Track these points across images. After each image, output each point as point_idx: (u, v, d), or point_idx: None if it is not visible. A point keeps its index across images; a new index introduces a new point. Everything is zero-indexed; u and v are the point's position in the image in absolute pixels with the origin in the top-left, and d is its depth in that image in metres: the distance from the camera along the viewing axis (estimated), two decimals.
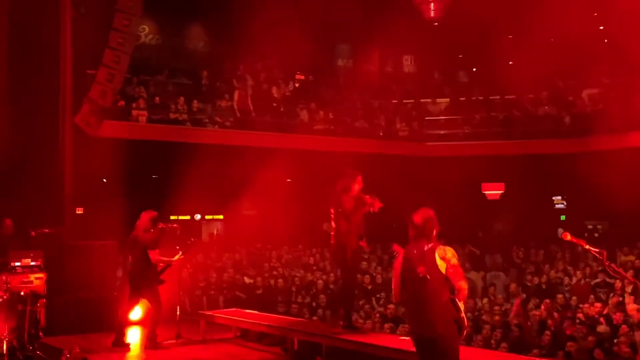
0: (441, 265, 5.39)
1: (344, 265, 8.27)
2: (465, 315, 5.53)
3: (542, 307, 11.85)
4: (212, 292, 14.01)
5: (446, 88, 21.30)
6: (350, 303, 8.60)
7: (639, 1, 15.70)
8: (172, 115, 16.35)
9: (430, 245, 5.49)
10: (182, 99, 16.62)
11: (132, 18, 13.81)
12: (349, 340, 7.97)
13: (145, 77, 17.36)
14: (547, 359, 8.47)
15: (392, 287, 5.75)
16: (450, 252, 5.46)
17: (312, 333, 8.49)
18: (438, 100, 20.86)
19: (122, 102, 15.54)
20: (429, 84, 21.73)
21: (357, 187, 8.17)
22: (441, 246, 5.49)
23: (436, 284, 5.37)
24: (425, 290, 5.39)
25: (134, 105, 15.90)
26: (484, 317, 11.64)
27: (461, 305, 5.47)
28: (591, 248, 5.87)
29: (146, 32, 19.48)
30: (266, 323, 9.33)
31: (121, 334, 9.36)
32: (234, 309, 10.79)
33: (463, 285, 5.43)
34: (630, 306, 11.41)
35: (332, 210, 8.15)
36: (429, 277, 5.35)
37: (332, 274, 15.31)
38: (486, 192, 20.24)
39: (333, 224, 8.14)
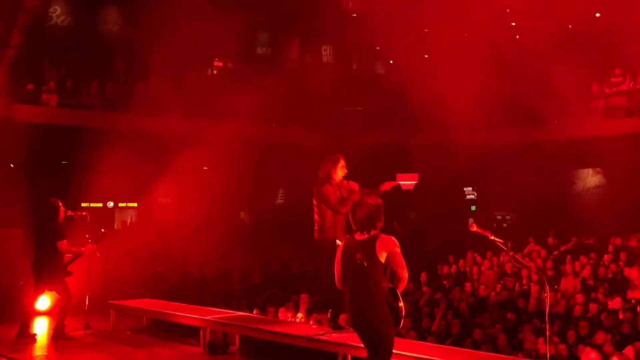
0: (381, 254, 5.42)
1: (328, 263, 7.62)
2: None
3: (451, 295, 12.19)
4: (125, 281, 13.70)
5: (364, 79, 21.53)
6: (336, 302, 7.65)
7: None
8: (84, 100, 15.86)
9: (371, 234, 5.51)
10: (94, 83, 16.14)
11: None
12: (262, 329, 7.97)
13: (56, 59, 16.77)
14: (455, 347, 8.70)
15: (335, 273, 5.74)
16: (392, 241, 5.47)
17: (225, 323, 8.43)
18: (355, 90, 21.07)
19: (31, 85, 14.96)
20: (346, 74, 21.92)
21: (339, 173, 7.24)
22: (383, 235, 5.50)
23: (374, 272, 5.39)
24: (362, 278, 5.41)
25: (44, 88, 15.33)
26: None
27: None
28: (496, 239, 6.09)
29: (58, 13, 18.79)
30: (178, 312, 9.20)
31: (26, 325, 9.06)
32: (145, 298, 10.59)
33: (404, 274, 5.46)
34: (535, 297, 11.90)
35: (314, 202, 7.29)
36: (366, 264, 5.38)
37: (248, 264, 15.32)
38: (400, 183, 20.61)
39: (317, 217, 7.28)
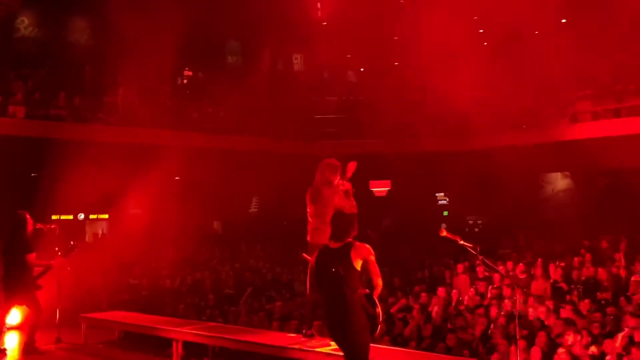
0: (356, 262, 5.46)
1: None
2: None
3: (423, 300, 12.22)
4: (96, 294, 13.56)
5: (335, 87, 21.62)
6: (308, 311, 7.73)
7: (515, 6, 16.53)
8: (52, 111, 15.69)
9: (346, 242, 5.55)
10: (62, 94, 15.98)
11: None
12: (236, 339, 7.93)
13: (24, 71, 16.59)
14: (427, 352, 8.75)
15: (307, 281, 5.74)
16: (367, 249, 5.51)
17: (197, 334, 8.38)
18: (327, 98, 21.16)
19: None
20: (318, 82, 21.99)
21: (338, 179, 7.03)
22: (357, 243, 5.55)
23: (350, 279, 5.42)
24: (337, 286, 5.43)
25: (11, 100, 15.14)
26: None
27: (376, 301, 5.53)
28: (465, 243, 6.16)
29: (26, 24, 18.60)
30: (149, 325, 9.13)
31: None
32: (117, 311, 10.50)
33: (379, 282, 5.50)
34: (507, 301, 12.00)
35: (310, 205, 7.01)
36: (342, 272, 5.40)
37: (222, 273, 15.25)
38: (373, 189, 20.73)
39: (310, 219, 6.99)
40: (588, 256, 13.82)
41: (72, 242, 9.51)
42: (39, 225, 9.08)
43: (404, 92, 20.13)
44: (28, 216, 8.93)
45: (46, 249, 9.37)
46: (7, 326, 9.79)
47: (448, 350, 9.26)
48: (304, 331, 7.55)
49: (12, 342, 9.68)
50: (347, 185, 7.09)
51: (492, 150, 17.35)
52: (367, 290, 5.49)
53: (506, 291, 12.45)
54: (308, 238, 7.09)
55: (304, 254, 5.91)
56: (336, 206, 6.40)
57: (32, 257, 8.79)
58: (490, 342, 9.92)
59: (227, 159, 17.49)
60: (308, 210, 7.09)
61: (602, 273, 12.69)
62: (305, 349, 7.10)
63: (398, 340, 10.08)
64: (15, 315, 9.97)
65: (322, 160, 7.18)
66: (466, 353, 9.26)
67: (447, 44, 18.17)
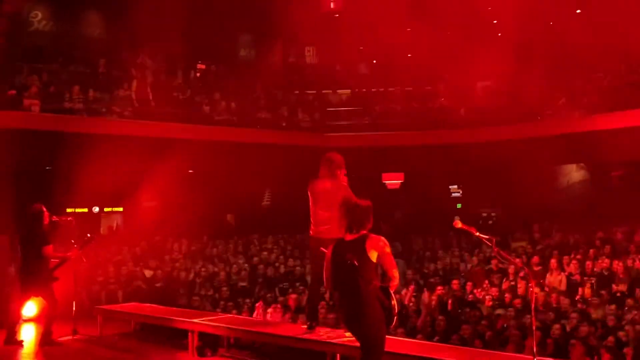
0: (371, 253, 5.47)
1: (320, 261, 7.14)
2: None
3: (438, 292, 12.23)
4: (111, 286, 13.66)
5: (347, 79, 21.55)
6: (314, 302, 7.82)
7: None
8: (66, 105, 15.76)
9: (361, 233, 5.56)
10: (77, 87, 16.04)
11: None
12: (251, 331, 7.97)
13: (38, 65, 16.66)
14: (442, 343, 8.75)
15: (324, 274, 5.78)
16: (382, 241, 5.53)
17: (213, 325, 8.43)
18: (339, 91, 21.09)
19: (13, 91, 14.85)
20: (330, 75, 21.92)
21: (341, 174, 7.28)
22: (372, 235, 5.57)
23: (365, 271, 5.43)
24: (353, 278, 5.44)
25: (25, 94, 15.23)
26: None
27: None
28: (481, 235, 6.12)
29: (39, 18, 18.67)
30: (165, 316, 9.19)
31: (13, 332, 9.02)
32: (133, 303, 10.57)
33: (395, 273, 5.52)
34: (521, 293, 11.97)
35: (317, 199, 7.22)
36: (356, 263, 5.42)
37: (234, 266, 15.31)
38: (386, 182, 20.69)
39: (320, 212, 7.18)
40: (607, 248, 13.73)
41: (88, 235, 9.59)
42: (55, 218, 9.15)
43: (416, 83, 20.05)
44: (44, 209, 9.01)
45: (62, 242, 9.45)
46: (24, 318, 9.91)
47: (462, 342, 9.26)
48: (308, 323, 7.56)
49: (29, 334, 9.79)
50: (344, 180, 7.27)
51: (506, 142, 17.24)
52: (382, 283, 5.51)
53: (521, 283, 12.45)
54: (311, 232, 7.24)
55: (322, 248, 5.93)
56: (344, 199, 6.41)
57: (49, 249, 8.87)
58: (504, 333, 9.91)
59: (240, 151, 17.52)
60: (312, 204, 7.23)
61: (617, 265, 12.63)
62: (321, 340, 7.12)
63: (413, 332, 10.09)
64: (31, 308, 10.09)
65: (324, 155, 7.37)
66: (480, 344, 9.26)
67: (459, 35, 18.09)
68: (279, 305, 11.56)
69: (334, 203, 6.53)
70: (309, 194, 7.35)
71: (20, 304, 9.27)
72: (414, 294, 12.18)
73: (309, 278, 14.49)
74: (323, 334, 7.35)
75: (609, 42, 16.46)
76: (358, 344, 5.62)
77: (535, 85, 16.97)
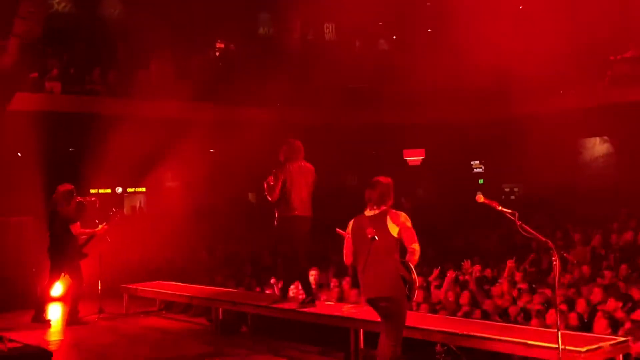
0: (392, 228, 5.48)
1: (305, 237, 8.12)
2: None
3: (462, 269, 12.17)
4: (135, 266, 13.78)
5: (368, 56, 21.36)
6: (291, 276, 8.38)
7: None
8: (87, 86, 15.85)
9: (382, 209, 5.58)
10: (97, 69, 16.11)
11: None
12: (274, 308, 8.02)
13: (59, 47, 16.74)
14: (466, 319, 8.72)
15: (344, 249, 5.80)
16: (403, 216, 5.56)
17: (237, 302, 8.49)
18: (359, 68, 20.89)
19: (35, 74, 14.96)
20: (350, 52, 21.76)
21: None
22: (393, 210, 5.59)
23: (385, 246, 5.45)
24: (374, 252, 5.47)
25: (47, 76, 15.33)
26: None
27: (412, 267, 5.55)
28: (504, 209, 6.05)
29: (59, 0, 18.73)
30: (190, 294, 9.28)
31: (41, 310, 9.17)
32: (157, 281, 10.68)
33: (416, 247, 5.53)
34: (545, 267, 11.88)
35: (309, 180, 8.08)
36: (377, 238, 5.42)
37: (257, 244, 15.36)
38: (407, 159, 20.60)
39: (305, 195, 8.00)
40: (632, 222, 13.57)
41: (113, 210, 9.72)
42: (79, 199, 9.28)
43: (437, 59, 19.82)
44: (72, 187, 9.13)
45: (87, 222, 9.55)
46: (51, 297, 10.06)
47: (485, 316, 9.23)
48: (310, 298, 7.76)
49: (56, 313, 9.94)
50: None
51: (528, 116, 17.04)
52: (403, 259, 5.51)
53: (545, 257, 12.36)
54: (291, 213, 7.84)
55: (338, 229, 5.96)
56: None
57: (76, 226, 9.02)
58: (528, 307, 9.85)
59: (260, 130, 17.50)
60: (289, 185, 7.99)
61: None
62: (344, 316, 7.15)
63: (436, 308, 10.07)
64: (57, 288, 10.24)
65: (288, 140, 8.55)
66: (504, 319, 9.23)
67: (481, 9, 17.83)
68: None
69: (308, 184, 7.89)
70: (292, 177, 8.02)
71: (50, 283, 9.41)
72: (436, 271, 12.13)
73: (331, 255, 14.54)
74: (346, 310, 7.37)
75: (634, 13, 16.16)
76: (380, 319, 5.63)
77: (558, 58, 16.72)
